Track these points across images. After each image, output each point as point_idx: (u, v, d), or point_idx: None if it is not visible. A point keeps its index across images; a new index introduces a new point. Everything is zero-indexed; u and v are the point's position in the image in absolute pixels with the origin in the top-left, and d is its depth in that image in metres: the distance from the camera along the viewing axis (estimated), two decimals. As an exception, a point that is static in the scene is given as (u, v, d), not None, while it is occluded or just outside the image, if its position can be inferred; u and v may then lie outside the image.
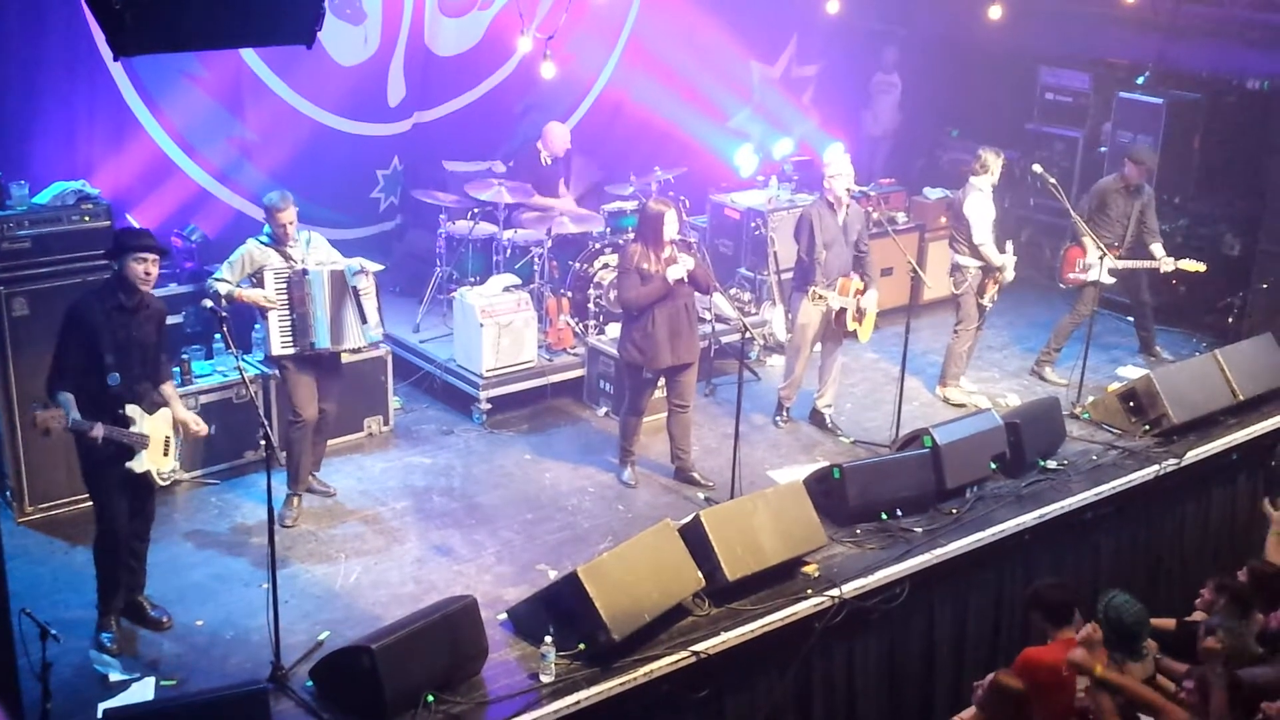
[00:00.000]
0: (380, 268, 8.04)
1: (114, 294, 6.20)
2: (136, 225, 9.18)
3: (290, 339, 7.39)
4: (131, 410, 6.19)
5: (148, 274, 6.19)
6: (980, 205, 9.12)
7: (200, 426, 6.57)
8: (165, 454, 6.37)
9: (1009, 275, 9.27)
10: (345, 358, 7.83)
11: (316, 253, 7.55)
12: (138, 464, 6.22)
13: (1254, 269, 10.58)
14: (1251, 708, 5.49)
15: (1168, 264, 9.65)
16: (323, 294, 7.38)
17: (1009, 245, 9.33)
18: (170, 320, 8.65)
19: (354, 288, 7.48)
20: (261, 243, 7.42)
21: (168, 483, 6.48)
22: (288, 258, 7.40)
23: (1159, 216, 10.04)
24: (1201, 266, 9.70)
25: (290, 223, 7.35)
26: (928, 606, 7.40)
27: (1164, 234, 9.95)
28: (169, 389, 6.53)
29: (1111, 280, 9.57)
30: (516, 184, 9.87)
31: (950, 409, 9.24)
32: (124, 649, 6.24)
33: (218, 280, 7.35)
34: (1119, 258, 9.56)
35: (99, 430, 5.98)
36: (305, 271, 7.36)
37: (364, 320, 7.54)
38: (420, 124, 10.85)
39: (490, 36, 10.88)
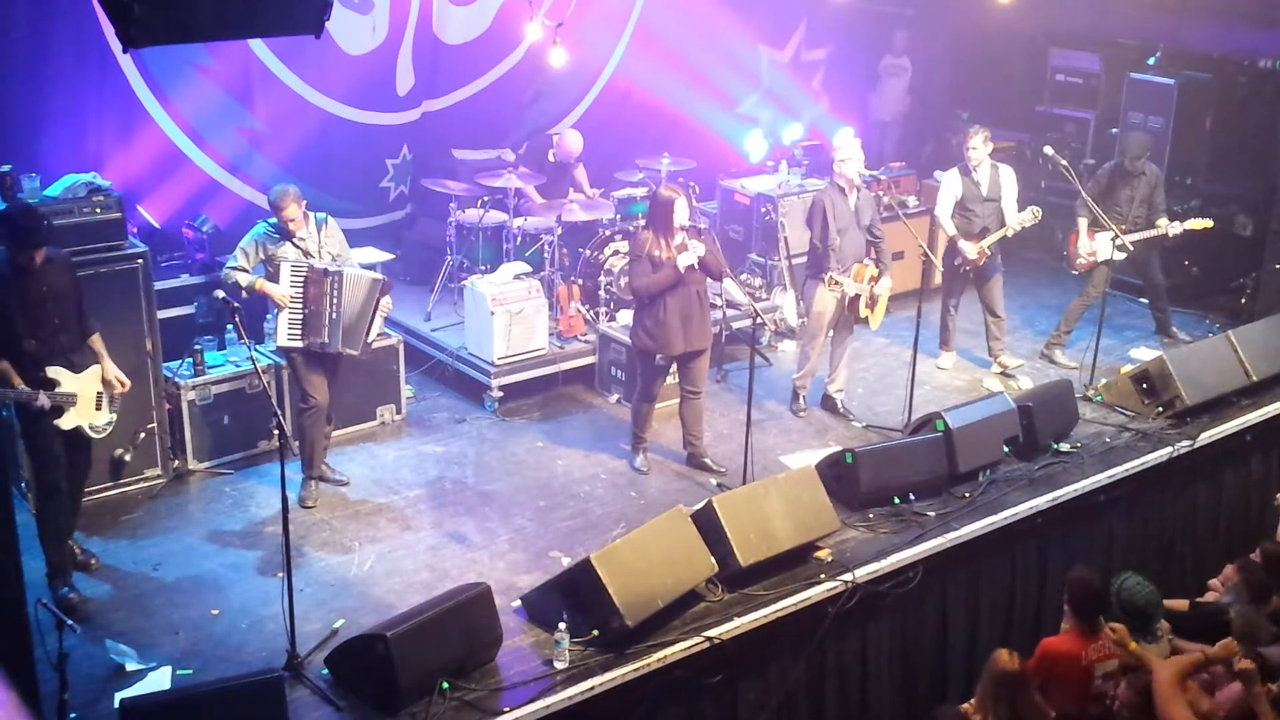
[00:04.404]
0: (391, 256, 8.04)
1: (13, 258, 6.21)
2: (146, 216, 9.24)
3: (299, 333, 7.37)
4: (54, 372, 6.33)
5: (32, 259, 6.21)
6: (950, 180, 9.39)
7: (125, 385, 6.64)
8: (99, 409, 6.54)
9: (1012, 229, 9.40)
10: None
11: (330, 242, 7.53)
12: (65, 421, 6.39)
13: (1266, 249, 10.52)
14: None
15: (1175, 228, 9.64)
16: (346, 297, 7.35)
17: (1032, 210, 9.46)
18: (182, 311, 8.77)
19: (378, 300, 7.48)
20: (272, 230, 7.40)
21: (102, 435, 6.63)
22: (305, 251, 7.39)
23: (1171, 197, 10.00)
24: (1209, 223, 9.74)
25: (291, 219, 7.30)
26: (941, 590, 7.39)
27: (1176, 214, 9.91)
28: (97, 343, 6.61)
29: (1122, 256, 9.55)
30: (528, 172, 9.88)
31: (960, 393, 9.21)
32: (141, 639, 6.24)
33: (235, 270, 7.34)
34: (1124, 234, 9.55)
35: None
36: (327, 271, 7.33)
37: (366, 334, 7.53)
38: (429, 112, 10.86)
39: (498, 24, 10.88)
